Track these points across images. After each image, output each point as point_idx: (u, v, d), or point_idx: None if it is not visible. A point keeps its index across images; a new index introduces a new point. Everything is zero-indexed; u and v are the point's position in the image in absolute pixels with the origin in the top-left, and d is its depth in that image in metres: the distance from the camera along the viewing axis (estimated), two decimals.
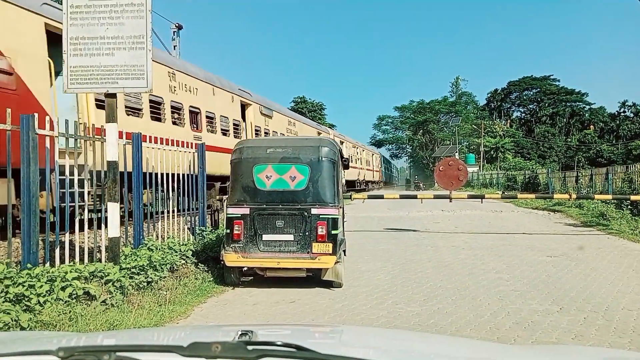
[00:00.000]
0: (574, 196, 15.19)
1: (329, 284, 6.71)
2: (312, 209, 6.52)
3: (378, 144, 73.80)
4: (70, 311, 4.83)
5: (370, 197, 15.70)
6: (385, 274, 7.72)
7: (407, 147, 77.74)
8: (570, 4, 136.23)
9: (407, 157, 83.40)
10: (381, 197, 16.04)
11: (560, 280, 7.11)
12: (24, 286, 4.68)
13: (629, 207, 14.52)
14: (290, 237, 6.54)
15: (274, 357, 1.14)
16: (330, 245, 6.46)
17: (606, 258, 8.98)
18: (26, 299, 4.63)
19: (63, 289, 4.98)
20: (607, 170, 20.88)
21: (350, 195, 14.26)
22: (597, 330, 4.92)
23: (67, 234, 5.91)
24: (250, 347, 1.15)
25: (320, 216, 6.52)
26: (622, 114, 70.46)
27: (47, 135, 5.62)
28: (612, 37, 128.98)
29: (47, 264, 5.56)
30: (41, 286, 4.78)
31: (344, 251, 7.23)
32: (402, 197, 17.07)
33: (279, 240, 6.55)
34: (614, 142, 66.30)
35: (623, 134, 66.26)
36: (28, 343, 1.79)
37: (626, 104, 70.36)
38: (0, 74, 7.39)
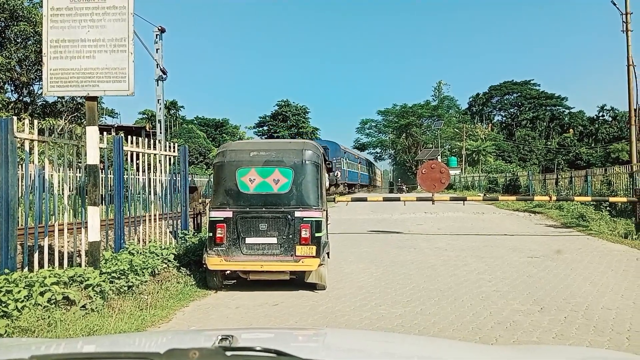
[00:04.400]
0: (554, 198, 15.42)
1: (312, 287, 6.70)
2: (295, 212, 6.52)
3: (361, 147, 74.06)
4: (49, 317, 4.74)
5: (354, 199, 15.74)
6: (369, 275, 7.74)
7: (390, 150, 78.11)
8: (550, 9, 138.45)
9: (390, 160, 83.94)
10: (364, 199, 16.10)
11: (541, 281, 7.20)
12: (0, 292, 4.59)
13: (608, 208, 14.77)
14: (274, 240, 6.52)
15: None
16: (314, 247, 6.46)
17: (586, 258, 9.11)
18: (3, 305, 4.54)
19: (42, 294, 4.90)
20: (586, 172, 21.23)
21: (334, 198, 14.28)
22: (577, 329, 4.99)
23: (47, 239, 5.81)
24: (229, 353, 1.13)
25: (304, 219, 6.51)
26: (600, 117, 71.60)
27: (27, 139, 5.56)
28: (591, 43, 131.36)
29: (26, 269, 5.46)
30: (19, 291, 4.70)
31: (328, 253, 7.23)
32: (386, 199, 17.18)
33: (263, 243, 6.52)
34: (592, 145, 67.29)
35: (601, 137, 67.27)
36: (3, 350, 1.75)
37: (604, 108, 71.57)
38: None
